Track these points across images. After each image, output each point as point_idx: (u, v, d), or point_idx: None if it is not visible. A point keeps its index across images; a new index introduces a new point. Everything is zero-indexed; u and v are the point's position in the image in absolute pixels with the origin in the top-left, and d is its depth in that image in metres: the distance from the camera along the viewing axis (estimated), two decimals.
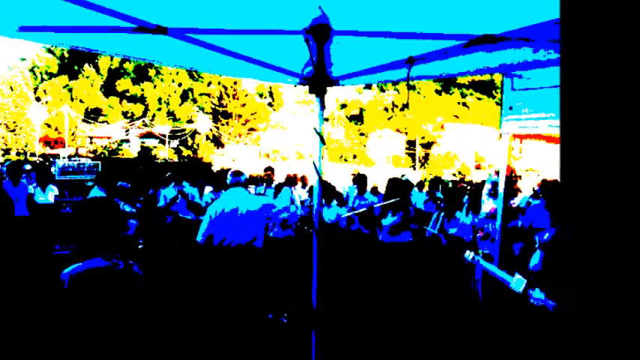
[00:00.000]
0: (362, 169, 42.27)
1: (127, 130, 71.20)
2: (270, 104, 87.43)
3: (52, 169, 23.94)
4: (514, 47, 2.54)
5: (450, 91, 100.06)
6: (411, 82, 2.96)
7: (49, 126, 64.18)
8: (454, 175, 54.82)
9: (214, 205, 5.29)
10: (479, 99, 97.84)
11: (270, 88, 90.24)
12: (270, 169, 9.72)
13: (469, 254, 3.89)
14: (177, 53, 3.02)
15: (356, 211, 7.50)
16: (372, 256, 6.63)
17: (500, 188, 4.50)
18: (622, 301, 1.08)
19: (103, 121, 76.13)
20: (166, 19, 2.39)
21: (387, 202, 6.28)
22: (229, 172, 5.52)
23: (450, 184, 23.10)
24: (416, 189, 11.90)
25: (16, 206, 8.06)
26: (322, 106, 3.06)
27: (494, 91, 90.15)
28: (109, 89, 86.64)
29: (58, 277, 2.39)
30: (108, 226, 2.50)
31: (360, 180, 9.02)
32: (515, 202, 8.40)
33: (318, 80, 3.02)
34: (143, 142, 67.87)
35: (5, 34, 2.43)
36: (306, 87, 3.15)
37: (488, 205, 7.03)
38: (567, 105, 1.12)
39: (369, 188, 9.63)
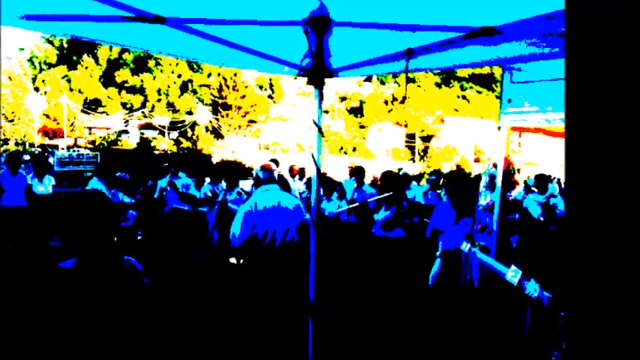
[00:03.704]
0: (362, 162, 42.26)
1: (127, 121, 71.09)
2: (270, 96, 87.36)
3: (51, 160, 23.92)
4: (513, 40, 2.54)
5: (450, 85, 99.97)
6: (410, 75, 2.97)
7: (47, 116, 64.04)
8: (452, 168, 54.82)
9: (250, 202, 4.91)
10: (479, 92, 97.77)
11: (270, 79, 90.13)
12: (274, 162, 9.64)
13: (466, 246, 3.91)
14: (177, 43, 3.02)
15: (352, 205, 7.47)
16: (367, 250, 6.57)
17: (498, 181, 4.51)
18: (628, 300, 1.08)
19: (102, 112, 76.07)
20: (165, 8, 2.38)
21: (381, 196, 6.20)
22: (259, 168, 5.14)
23: None
24: (414, 182, 11.83)
25: (14, 196, 8.08)
26: (321, 98, 3.06)
27: (494, 85, 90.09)
28: (108, 80, 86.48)
29: (54, 269, 2.39)
30: (98, 221, 2.47)
31: (357, 172, 9.00)
32: (513, 194, 8.43)
33: (317, 71, 3.02)
34: (142, 133, 67.77)
35: (6, 22, 2.42)
36: (306, 78, 3.15)
37: (485, 197, 7.03)
38: (572, 100, 1.12)
39: (368, 180, 9.61)
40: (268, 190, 4.99)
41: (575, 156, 1.13)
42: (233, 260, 7.61)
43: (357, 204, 7.04)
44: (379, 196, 6.23)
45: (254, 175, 5.15)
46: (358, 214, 7.37)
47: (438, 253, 4.91)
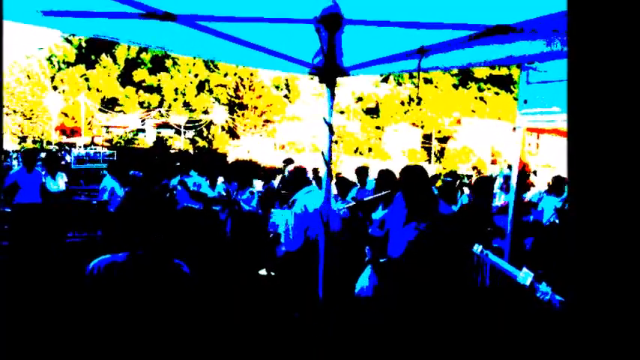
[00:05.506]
0: (377, 163, 42.21)
1: (143, 120, 71.64)
2: (286, 96, 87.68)
3: (68, 158, 24.21)
4: (528, 39, 2.50)
5: (467, 86, 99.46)
6: (427, 76, 2.93)
7: (65, 115, 64.76)
8: (468, 169, 54.54)
9: (299, 205, 4.80)
10: (496, 94, 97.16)
11: (287, 80, 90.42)
12: (289, 161, 9.58)
13: (477, 248, 3.85)
14: (190, 42, 3.02)
15: (350, 204, 7.37)
16: (361, 249, 6.44)
17: (513, 182, 4.45)
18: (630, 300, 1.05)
19: (120, 111, 76.82)
20: (176, 6, 2.38)
21: (378, 194, 6.08)
22: (290, 171, 5.12)
23: (465, 179, 22.94)
24: None
25: (29, 193, 8.15)
26: (332, 96, 3.04)
27: (512, 86, 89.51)
28: (125, 79, 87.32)
29: (76, 265, 2.39)
30: (157, 220, 2.45)
31: (360, 173, 9.00)
32: (528, 196, 8.35)
33: (329, 70, 3.00)
34: (159, 132, 68.24)
35: (27, 21, 2.42)
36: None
37: (500, 199, 6.96)
38: (575, 100, 1.10)
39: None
40: (311, 190, 4.98)
41: (577, 154, 1.11)
42: (263, 272, 7.59)
43: (352, 203, 6.93)
44: (376, 195, 6.11)
45: (286, 178, 5.15)
46: (353, 214, 7.26)
47: (366, 259, 4.66)
